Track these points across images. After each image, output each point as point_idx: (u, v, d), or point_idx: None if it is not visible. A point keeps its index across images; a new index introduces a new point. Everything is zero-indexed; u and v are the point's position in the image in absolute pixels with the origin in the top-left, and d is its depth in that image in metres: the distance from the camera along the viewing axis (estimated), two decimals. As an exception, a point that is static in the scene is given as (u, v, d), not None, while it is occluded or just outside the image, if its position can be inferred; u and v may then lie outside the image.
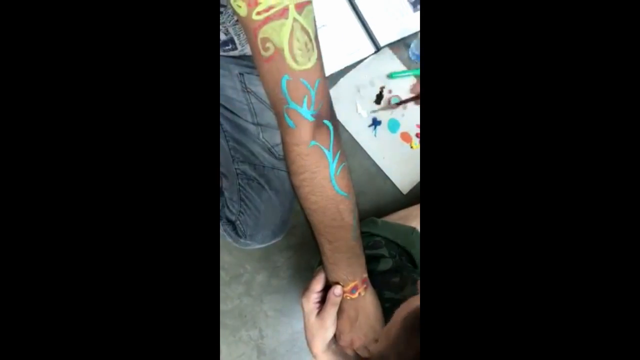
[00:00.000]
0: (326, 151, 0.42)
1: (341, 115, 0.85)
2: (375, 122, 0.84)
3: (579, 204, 0.30)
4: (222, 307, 0.78)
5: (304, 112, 0.40)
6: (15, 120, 0.30)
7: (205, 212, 0.33)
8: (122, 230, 0.31)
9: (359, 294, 0.51)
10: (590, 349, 0.29)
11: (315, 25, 0.39)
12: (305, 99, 0.39)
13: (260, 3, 0.35)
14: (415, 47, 0.82)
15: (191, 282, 0.32)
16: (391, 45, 0.83)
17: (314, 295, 0.52)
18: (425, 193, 0.32)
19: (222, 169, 0.68)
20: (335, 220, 0.46)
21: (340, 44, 0.83)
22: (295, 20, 0.36)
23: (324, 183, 0.43)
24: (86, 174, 0.31)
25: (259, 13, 0.36)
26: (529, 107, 0.30)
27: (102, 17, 0.31)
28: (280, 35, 0.37)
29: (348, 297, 0.51)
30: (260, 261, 0.79)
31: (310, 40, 0.38)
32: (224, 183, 0.68)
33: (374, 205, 0.86)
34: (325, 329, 0.52)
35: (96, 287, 0.31)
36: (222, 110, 0.65)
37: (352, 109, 0.85)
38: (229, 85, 0.64)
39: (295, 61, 0.38)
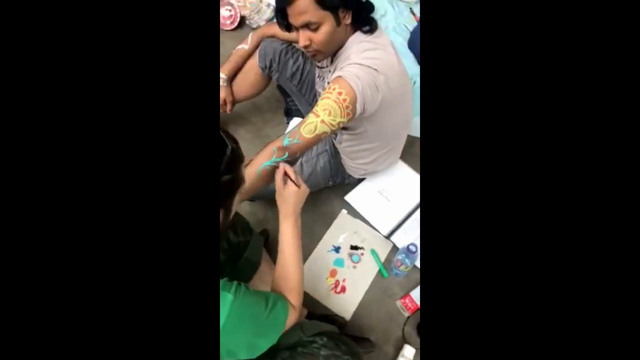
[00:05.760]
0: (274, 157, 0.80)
1: (327, 218, 1.20)
2: (336, 248, 1.16)
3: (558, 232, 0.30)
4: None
5: (285, 141, 0.80)
6: (20, 122, 0.29)
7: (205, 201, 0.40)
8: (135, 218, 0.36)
9: None
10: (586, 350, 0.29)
11: (323, 134, 0.80)
12: (290, 140, 0.80)
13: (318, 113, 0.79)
14: (394, 265, 1.11)
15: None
16: (393, 246, 1.18)
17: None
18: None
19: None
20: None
21: (381, 211, 1.21)
22: (319, 124, 0.79)
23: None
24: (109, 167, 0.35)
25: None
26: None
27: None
28: (307, 121, 0.79)
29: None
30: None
31: (314, 136, 0.79)
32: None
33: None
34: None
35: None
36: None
37: (339, 233, 1.18)
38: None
39: (305, 133, 0.79)
